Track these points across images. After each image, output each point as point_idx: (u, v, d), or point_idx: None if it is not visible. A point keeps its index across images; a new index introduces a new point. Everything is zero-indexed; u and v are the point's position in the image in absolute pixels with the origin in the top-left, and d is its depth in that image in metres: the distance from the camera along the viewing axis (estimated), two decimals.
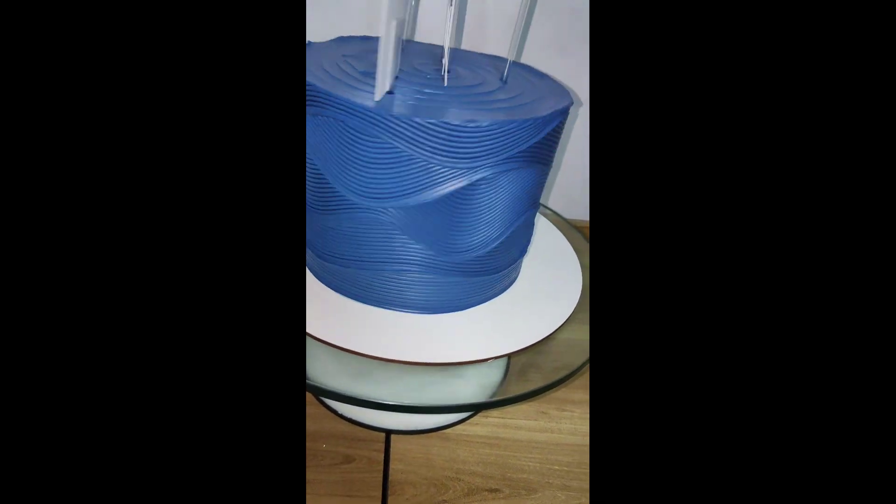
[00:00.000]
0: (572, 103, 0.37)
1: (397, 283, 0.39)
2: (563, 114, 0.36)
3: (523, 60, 0.59)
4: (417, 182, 0.33)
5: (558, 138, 0.38)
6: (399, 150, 0.32)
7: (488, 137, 0.32)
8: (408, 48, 0.44)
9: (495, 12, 0.56)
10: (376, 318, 0.40)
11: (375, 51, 0.31)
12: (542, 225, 0.55)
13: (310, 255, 0.43)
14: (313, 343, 0.37)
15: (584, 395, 0.52)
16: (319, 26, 0.54)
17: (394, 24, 0.31)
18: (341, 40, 0.44)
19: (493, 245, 0.38)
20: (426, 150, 0.32)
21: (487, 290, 0.42)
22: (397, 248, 0.37)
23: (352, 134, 0.33)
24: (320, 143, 0.35)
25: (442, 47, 0.37)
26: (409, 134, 0.31)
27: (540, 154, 0.36)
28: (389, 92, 0.34)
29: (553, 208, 0.60)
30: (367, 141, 0.32)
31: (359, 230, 0.36)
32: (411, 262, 0.37)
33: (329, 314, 0.39)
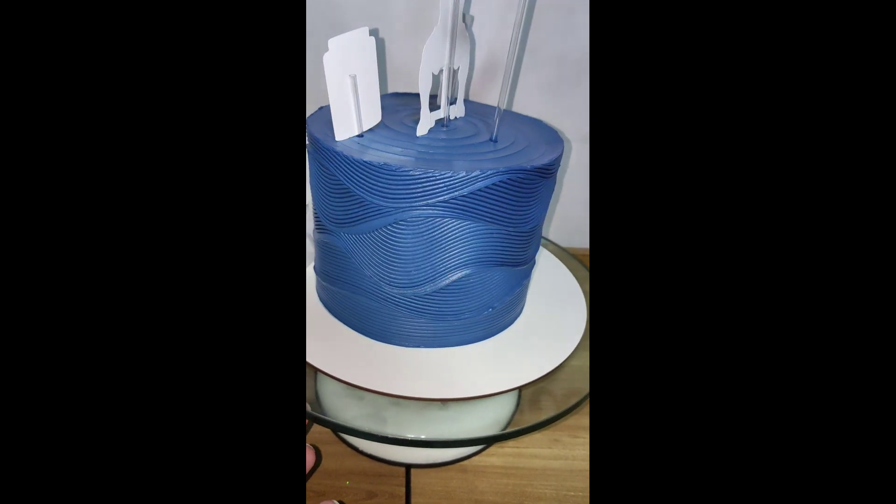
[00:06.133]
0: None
1: (382, 316, 0.41)
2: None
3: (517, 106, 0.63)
4: (357, 213, 0.38)
5: (497, 197, 0.36)
6: (341, 182, 0.38)
7: (405, 182, 0.35)
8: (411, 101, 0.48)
9: (487, 64, 0.60)
10: (384, 352, 0.42)
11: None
12: (542, 255, 0.57)
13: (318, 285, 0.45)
14: (329, 380, 0.39)
15: None
16: None
17: (348, 80, 0.37)
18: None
19: (433, 287, 0.39)
20: (356, 185, 0.37)
21: (487, 327, 0.44)
22: (355, 273, 0.41)
23: (317, 166, 0.40)
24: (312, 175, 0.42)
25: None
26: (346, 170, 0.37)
27: (470, 207, 0.36)
28: (359, 135, 0.40)
29: (552, 238, 0.62)
30: (325, 173, 0.39)
31: (332, 252, 0.42)
32: (375, 291, 0.40)
33: (337, 348, 0.42)
